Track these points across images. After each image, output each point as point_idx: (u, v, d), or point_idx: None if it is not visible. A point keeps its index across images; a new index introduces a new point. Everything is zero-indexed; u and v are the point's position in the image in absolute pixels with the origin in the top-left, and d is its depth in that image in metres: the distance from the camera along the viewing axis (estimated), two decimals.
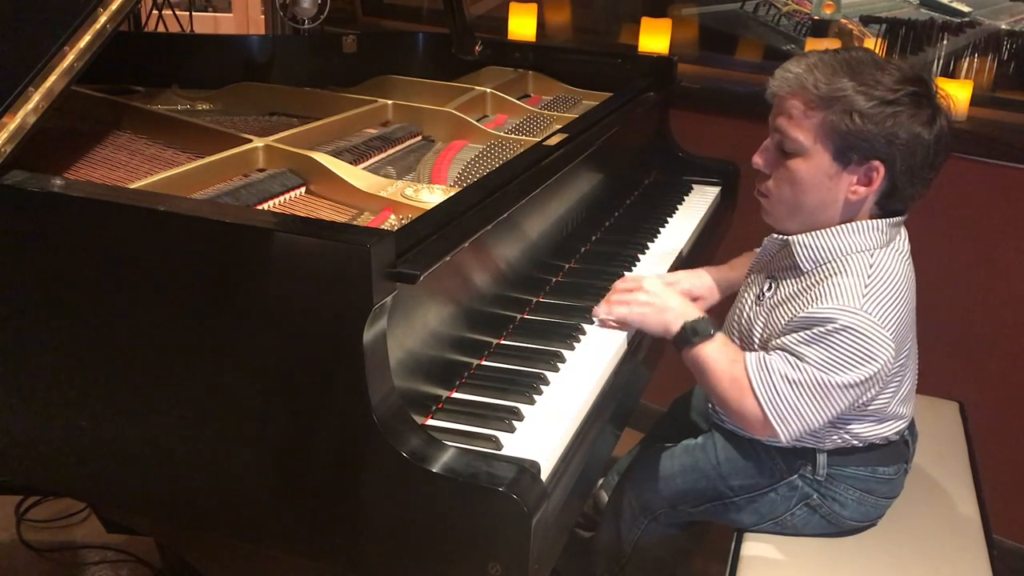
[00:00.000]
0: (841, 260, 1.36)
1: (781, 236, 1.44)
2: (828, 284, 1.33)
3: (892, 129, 1.28)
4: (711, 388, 1.40)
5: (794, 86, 1.33)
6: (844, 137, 1.30)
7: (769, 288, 1.46)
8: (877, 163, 1.32)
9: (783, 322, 1.37)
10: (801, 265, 1.40)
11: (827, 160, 1.33)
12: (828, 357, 1.29)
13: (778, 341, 1.35)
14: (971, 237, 2.19)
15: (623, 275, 1.66)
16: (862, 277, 1.33)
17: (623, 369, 1.41)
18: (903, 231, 1.43)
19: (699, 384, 1.43)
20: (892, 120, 1.28)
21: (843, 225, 1.37)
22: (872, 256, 1.35)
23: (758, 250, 1.55)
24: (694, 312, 1.42)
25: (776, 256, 1.48)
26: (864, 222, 1.37)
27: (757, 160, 1.42)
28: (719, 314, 1.63)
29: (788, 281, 1.42)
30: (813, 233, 1.39)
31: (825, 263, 1.38)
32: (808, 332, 1.31)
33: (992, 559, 1.49)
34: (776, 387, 1.32)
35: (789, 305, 1.39)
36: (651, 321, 1.43)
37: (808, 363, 1.30)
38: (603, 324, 1.47)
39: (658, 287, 1.47)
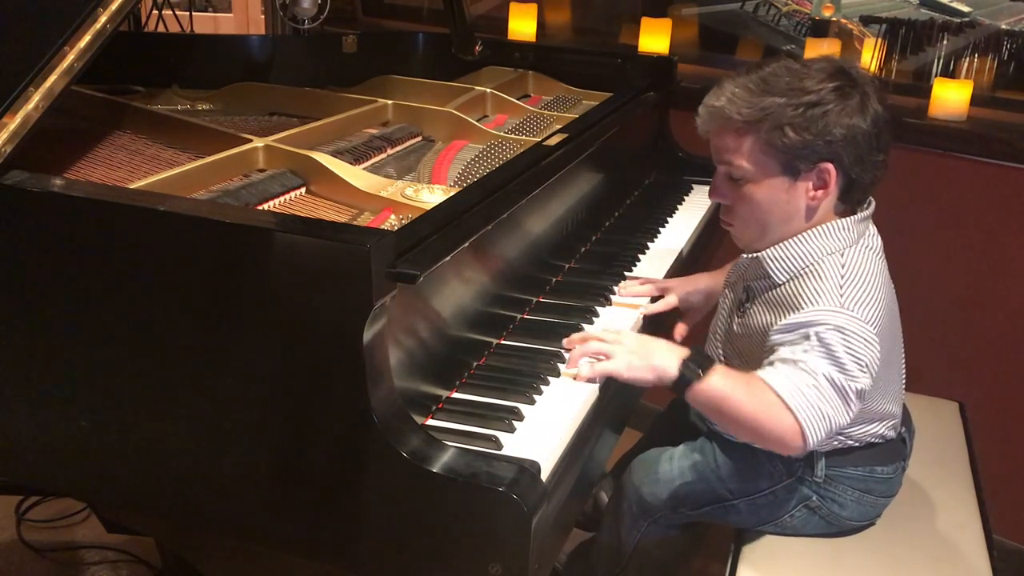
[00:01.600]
0: (813, 266, 1.36)
1: (751, 255, 1.44)
2: (806, 290, 1.33)
3: (825, 129, 1.28)
4: (737, 418, 1.27)
5: (719, 120, 1.34)
6: (784, 152, 1.30)
7: (747, 299, 1.46)
8: (826, 165, 1.31)
9: (763, 327, 1.37)
10: (776, 278, 1.39)
11: (777, 177, 1.33)
12: (833, 360, 1.27)
13: (778, 355, 1.31)
14: (971, 237, 2.19)
15: (624, 275, 1.67)
16: (836, 279, 1.32)
17: None
18: (872, 227, 1.42)
19: (718, 420, 1.35)
20: (822, 121, 1.28)
21: (810, 231, 1.37)
22: (843, 256, 1.35)
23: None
24: (682, 349, 1.33)
25: (749, 267, 1.47)
26: (830, 224, 1.37)
27: (715, 194, 1.42)
28: (699, 325, 1.63)
29: (765, 290, 1.42)
30: (781, 245, 1.38)
31: (798, 272, 1.37)
32: (803, 342, 1.28)
33: (992, 559, 1.49)
34: (805, 395, 1.25)
35: (770, 312, 1.38)
36: (640, 369, 1.29)
37: (818, 369, 1.27)
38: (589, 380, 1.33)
39: (634, 335, 1.40)
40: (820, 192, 1.34)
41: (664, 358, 1.28)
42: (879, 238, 1.43)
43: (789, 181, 1.33)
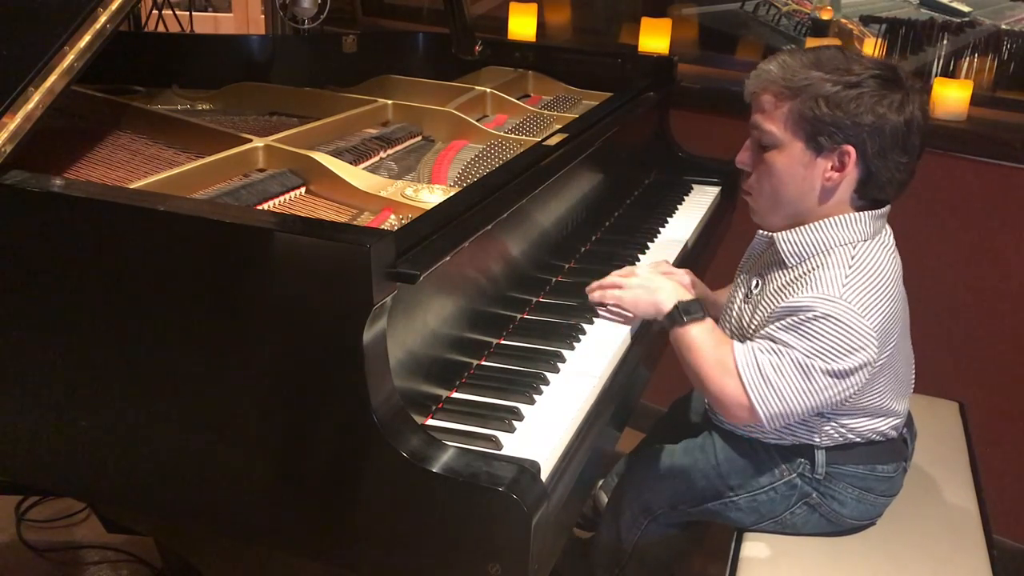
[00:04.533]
0: (824, 253, 1.39)
1: (767, 234, 1.47)
2: (810, 276, 1.36)
3: (857, 111, 1.31)
4: (695, 368, 1.39)
5: (765, 82, 1.38)
6: (812, 123, 1.34)
7: (756, 285, 1.49)
8: (848, 147, 1.34)
9: (769, 312, 1.38)
10: (786, 260, 1.42)
11: (799, 148, 1.36)
12: (809, 345, 1.31)
13: (762, 331, 1.37)
14: (971, 237, 2.19)
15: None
16: (843, 268, 1.35)
17: (623, 369, 1.41)
18: (887, 227, 1.44)
19: (683, 367, 1.43)
20: (856, 103, 1.31)
21: (826, 219, 1.39)
22: (855, 248, 1.38)
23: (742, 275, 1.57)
24: (686, 295, 1.45)
25: (764, 253, 1.51)
26: (847, 215, 1.38)
27: (741, 158, 1.46)
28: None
29: (774, 276, 1.44)
30: (797, 229, 1.41)
31: (809, 257, 1.40)
32: (788, 320, 1.33)
33: (992, 559, 1.49)
34: (760, 368, 1.33)
35: (775, 297, 1.41)
36: (643, 301, 1.44)
37: (790, 347, 1.32)
38: (597, 305, 1.50)
39: (649, 272, 1.51)
40: (836, 174, 1.36)
41: (665, 297, 1.43)
42: (893, 237, 1.45)
43: (810, 156, 1.36)
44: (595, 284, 1.51)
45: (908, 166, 1.37)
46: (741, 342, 1.45)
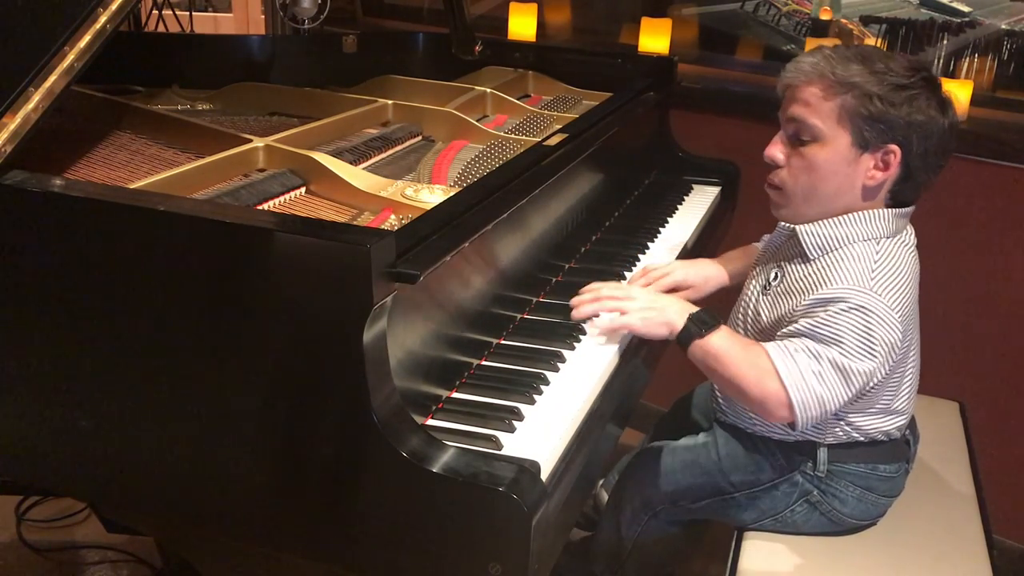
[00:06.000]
0: (847, 247, 1.38)
1: (788, 227, 1.45)
2: (836, 268, 1.35)
3: (910, 111, 1.31)
4: (728, 376, 1.34)
5: (811, 74, 1.36)
6: (865, 120, 1.32)
7: (775, 277, 1.47)
8: (894, 147, 1.33)
9: (790, 307, 1.38)
10: (808, 253, 1.41)
11: (845, 145, 1.35)
12: (844, 337, 1.29)
13: (794, 327, 1.34)
14: (971, 237, 2.19)
15: (624, 275, 1.67)
16: (868, 263, 1.34)
17: (623, 369, 1.41)
18: (910, 226, 1.44)
19: (711, 377, 1.39)
20: (910, 104, 1.31)
21: (850, 214, 1.38)
22: (879, 244, 1.37)
23: (756, 244, 1.55)
24: (692, 307, 1.42)
25: (783, 246, 1.49)
26: (872, 211, 1.38)
27: (775, 154, 1.42)
28: (722, 309, 1.63)
29: (795, 269, 1.43)
30: (821, 222, 1.40)
31: (831, 251, 1.39)
32: (821, 314, 1.31)
33: (992, 559, 1.49)
34: (801, 373, 1.29)
35: (796, 290, 1.40)
36: (654, 323, 1.39)
37: (825, 346, 1.30)
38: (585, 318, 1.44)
39: (649, 293, 1.47)
40: (880, 173, 1.36)
41: (675, 313, 1.38)
42: (915, 236, 1.45)
43: (856, 152, 1.35)
44: (581, 300, 1.44)
45: (941, 168, 1.38)
46: (757, 336, 1.45)
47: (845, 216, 1.38)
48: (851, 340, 1.29)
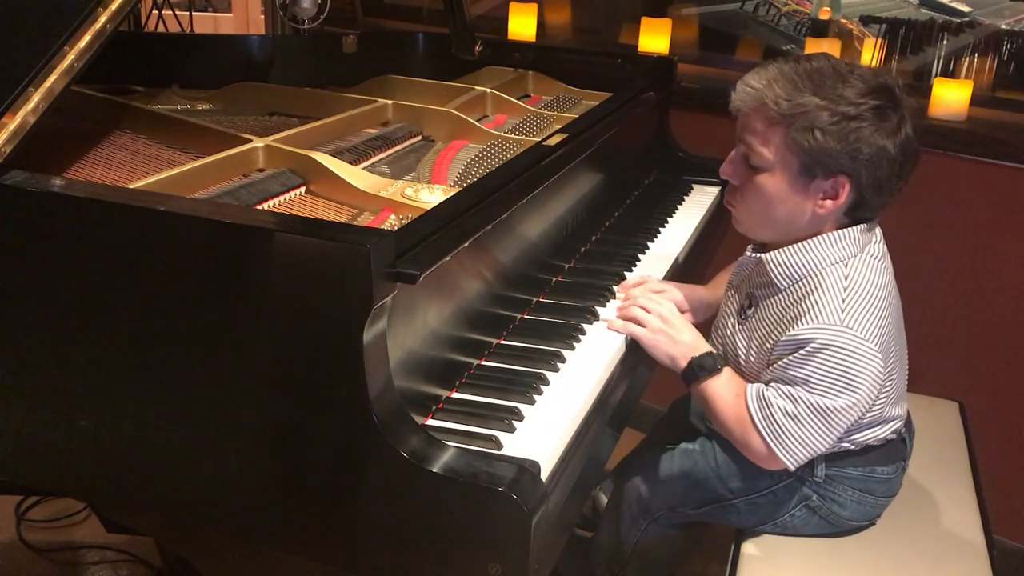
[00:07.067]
0: (816, 275, 1.36)
1: (755, 254, 1.44)
2: (806, 303, 1.33)
3: (855, 144, 1.27)
4: (717, 423, 1.43)
5: (755, 102, 1.33)
6: (808, 153, 1.29)
7: (749, 306, 1.47)
8: (843, 178, 1.31)
9: (766, 342, 1.38)
10: (777, 283, 1.40)
11: (792, 175, 1.33)
12: (817, 378, 1.30)
13: (769, 372, 1.36)
14: (971, 237, 2.19)
15: (624, 275, 1.67)
16: (838, 291, 1.32)
17: (623, 369, 1.41)
18: (877, 232, 1.42)
19: (705, 410, 1.45)
20: (855, 135, 1.27)
21: (815, 238, 1.37)
22: (847, 267, 1.35)
23: (734, 266, 1.55)
24: (703, 347, 1.43)
25: (752, 273, 1.49)
26: (835, 233, 1.37)
27: (726, 170, 1.41)
28: (702, 328, 1.64)
29: (767, 298, 1.43)
30: (785, 250, 1.39)
31: (801, 279, 1.38)
32: (793, 356, 1.32)
33: (992, 559, 1.49)
34: (777, 421, 1.33)
35: (770, 323, 1.40)
36: (661, 350, 1.43)
37: (802, 389, 1.31)
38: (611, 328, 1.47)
39: (676, 315, 1.47)
40: (830, 202, 1.34)
41: (683, 350, 1.42)
42: (883, 243, 1.43)
43: (803, 183, 1.33)
44: (628, 288, 1.54)
45: (900, 188, 1.35)
46: (734, 361, 1.45)
47: (809, 241, 1.36)
48: (826, 379, 1.29)
